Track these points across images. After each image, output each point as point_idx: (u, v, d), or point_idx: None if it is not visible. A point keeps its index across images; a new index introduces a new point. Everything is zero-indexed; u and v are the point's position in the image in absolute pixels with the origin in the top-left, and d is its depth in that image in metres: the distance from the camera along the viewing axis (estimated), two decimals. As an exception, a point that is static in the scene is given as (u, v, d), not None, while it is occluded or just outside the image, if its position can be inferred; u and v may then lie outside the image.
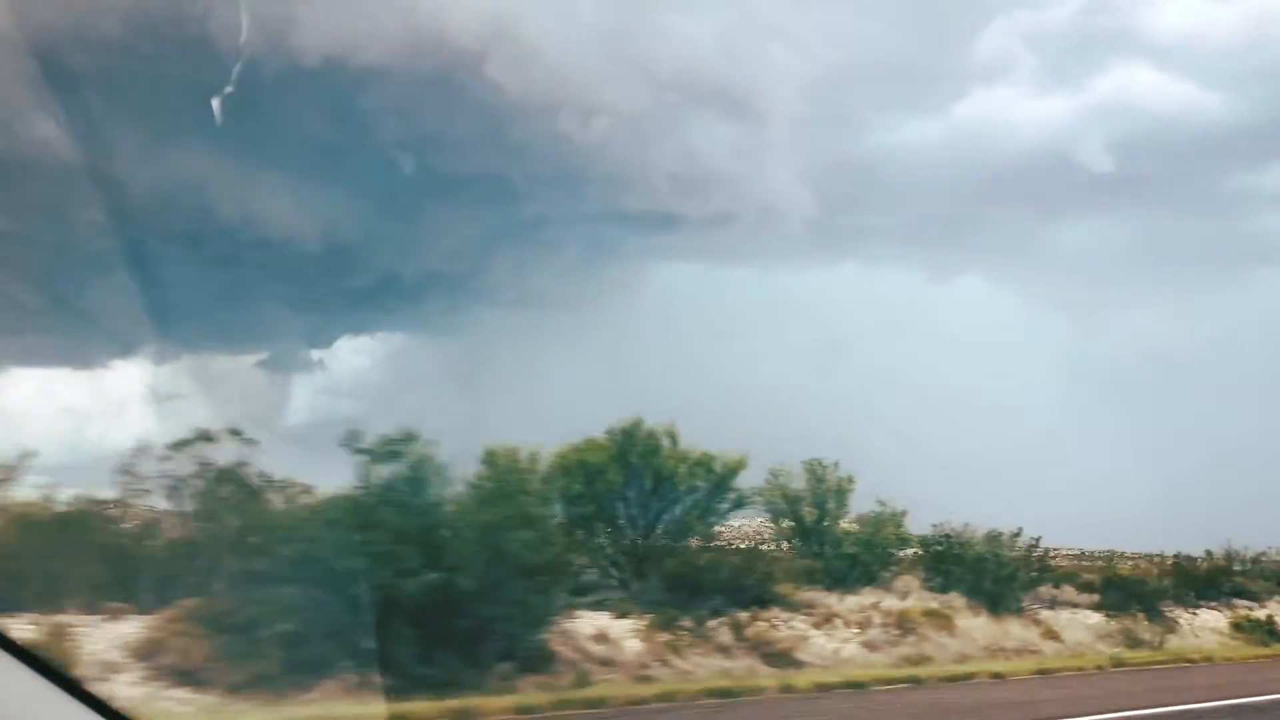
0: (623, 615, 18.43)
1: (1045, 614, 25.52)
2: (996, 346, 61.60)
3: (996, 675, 19.13)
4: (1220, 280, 73.62)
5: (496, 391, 50.99)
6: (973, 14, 70.46)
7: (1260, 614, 28.92)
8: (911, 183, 66.80)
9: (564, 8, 52.42)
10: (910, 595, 24.14)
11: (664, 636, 17.58)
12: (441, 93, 46.04)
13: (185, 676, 13.01)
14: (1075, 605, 27.42)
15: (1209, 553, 34.39)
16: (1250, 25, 67.72)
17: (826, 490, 27.19)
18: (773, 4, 57.93)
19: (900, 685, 17.55)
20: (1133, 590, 27.58)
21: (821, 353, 59.04)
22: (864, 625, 20.87)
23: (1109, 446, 53.02)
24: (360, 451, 15.24)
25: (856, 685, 17.08)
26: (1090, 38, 69.02)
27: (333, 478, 16.34)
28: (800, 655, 18.79)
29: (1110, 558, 43.52)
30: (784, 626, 19.45)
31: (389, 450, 15.33)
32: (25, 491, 15.75)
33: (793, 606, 20.69)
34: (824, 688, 16.67)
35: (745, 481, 24.56)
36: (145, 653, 13.27)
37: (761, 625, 19.01)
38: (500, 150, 50.02)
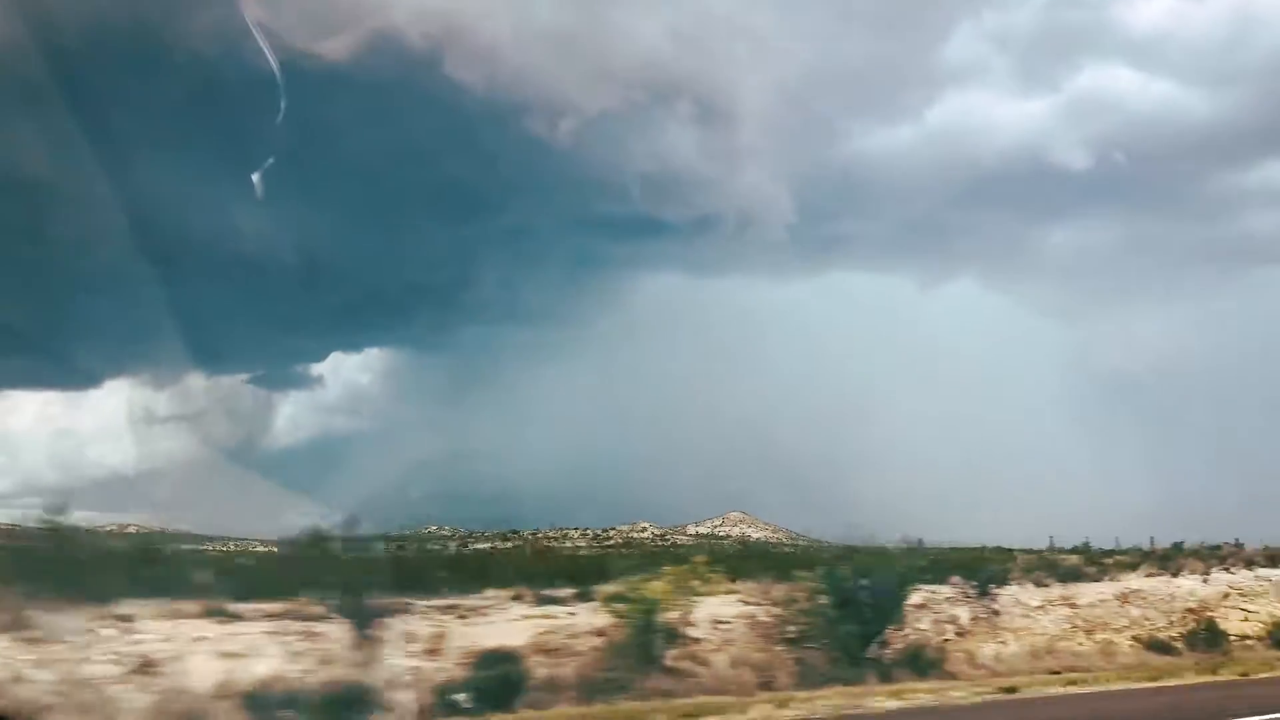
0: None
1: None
2: (992, 352, 61.06)
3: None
4: (1214, 282, 73.24)
5: (490, 410, 50.47)
6: (937, 16, 70.12)
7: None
8: (889, 189, 66.63)
9: (517, 5, 51.36)
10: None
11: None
12: (404, 97, 45.10)
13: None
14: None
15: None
16: (1227, 23, 67.65)
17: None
18: (731, 3, 57.28)
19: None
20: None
21: (813, 364, 58.46)
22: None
23: (1109, 449, 52.47)
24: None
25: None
26: (1061, 36, 68.74)
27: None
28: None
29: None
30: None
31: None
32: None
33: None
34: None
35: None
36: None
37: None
38: (471, 157, 48.99)
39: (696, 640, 17.54)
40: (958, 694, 15.93)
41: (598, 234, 60.40)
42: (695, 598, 17.49)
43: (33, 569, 15.63)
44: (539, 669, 15.45)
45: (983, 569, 29.84)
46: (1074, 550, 47.31)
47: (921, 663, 18.44)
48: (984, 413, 56.10)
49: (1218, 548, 47.20)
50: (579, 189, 53.15)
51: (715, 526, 72.05)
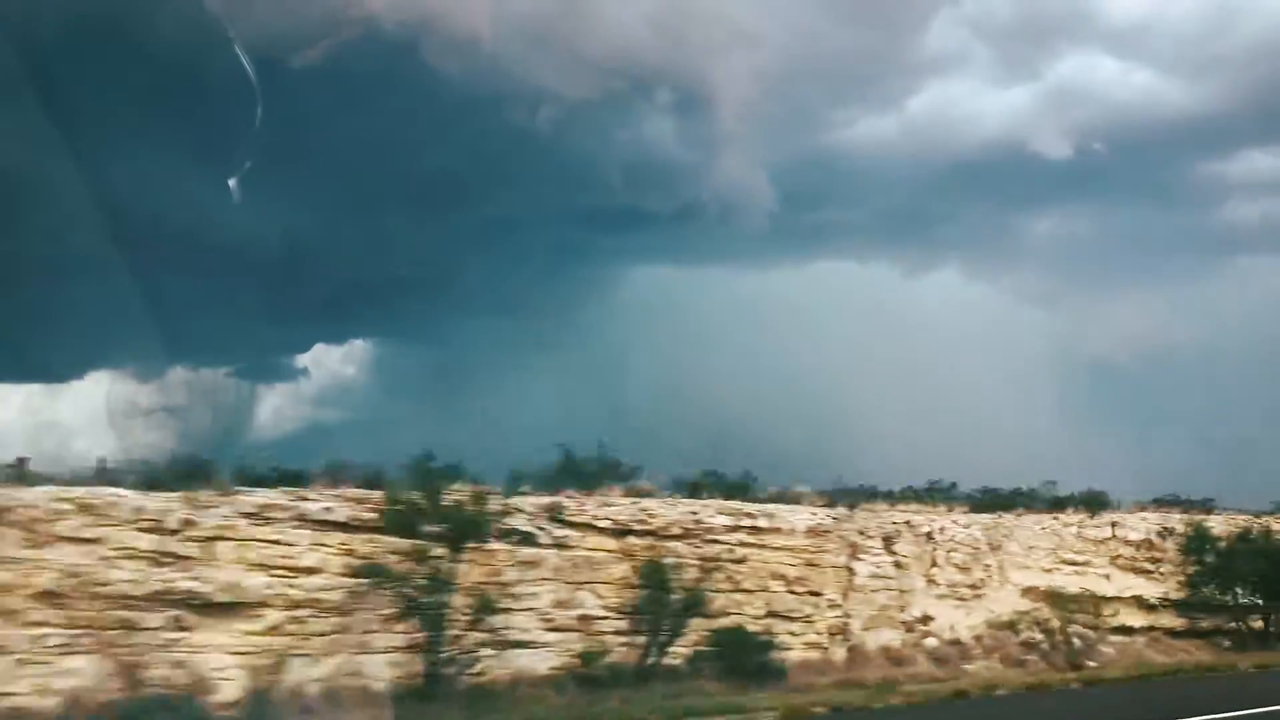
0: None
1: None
2: (978, 341, 61.10)
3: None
4: (1196, 271, 73.33)
5: (479, 401, 50.45)
6: (916, 2, 69.39)
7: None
8: (872, 178, 66.04)
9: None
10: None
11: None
12: (382, 86, 44.63)
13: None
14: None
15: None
16: (1206, 11, 67.63)
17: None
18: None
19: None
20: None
21: (801, 353, 58.43)
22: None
23: (1090, 424, 52.85)
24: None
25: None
26: (1040, 24, 68.45)
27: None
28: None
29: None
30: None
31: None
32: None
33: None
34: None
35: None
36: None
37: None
38: (449, 146, 48.53)
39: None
40: None
41: (581, 224, 59.94)
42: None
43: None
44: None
45: None
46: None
47: None
48: (970, 395, 56.32)
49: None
50: (561, 179, 52.83)
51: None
